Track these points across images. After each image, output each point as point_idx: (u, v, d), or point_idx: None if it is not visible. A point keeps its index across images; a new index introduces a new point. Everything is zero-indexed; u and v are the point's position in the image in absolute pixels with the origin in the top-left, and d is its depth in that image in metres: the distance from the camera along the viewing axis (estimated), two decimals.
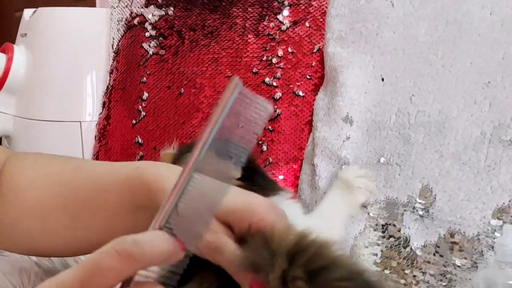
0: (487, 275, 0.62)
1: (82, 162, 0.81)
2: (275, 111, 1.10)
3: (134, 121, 1.27)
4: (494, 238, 0.71)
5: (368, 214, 0.84)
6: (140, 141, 1.25)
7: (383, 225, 0.82)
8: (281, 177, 1.08)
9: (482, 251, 0.72)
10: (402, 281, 0.79)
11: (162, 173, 0.61)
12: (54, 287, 0.39)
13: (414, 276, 0.77)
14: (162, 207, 0.41)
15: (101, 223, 0.63)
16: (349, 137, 0.88)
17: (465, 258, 0.73)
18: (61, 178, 0.67)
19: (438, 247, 0.76)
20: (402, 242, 0.80)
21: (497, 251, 0.61)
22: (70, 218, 0.65)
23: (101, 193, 0.63)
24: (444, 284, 0.75)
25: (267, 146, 1.11)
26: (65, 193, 0.66)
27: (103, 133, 1.35)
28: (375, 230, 0.83)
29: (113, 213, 0.63)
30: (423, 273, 0.76)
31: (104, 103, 1.36)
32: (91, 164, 0.77)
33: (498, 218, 0.71)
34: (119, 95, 1.32)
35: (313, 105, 1.03)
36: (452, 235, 0.75)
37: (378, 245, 0.82)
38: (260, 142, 1.12)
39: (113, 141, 1.33)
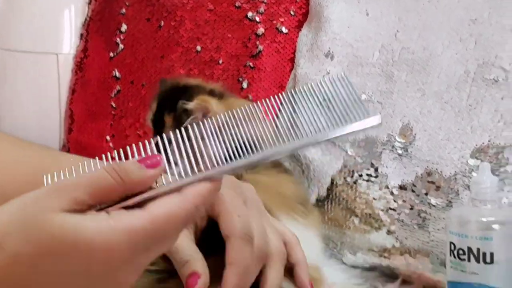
0: (460, 212, 0.61)
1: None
2: (257, 47, 1.07)
3: (112, 54, 1.24)
4: (471, 178, 0.70)
5: (346, 152, 0.83)
6: (117, 75, 1.22)
7: (360, 164, 0.81)
8: None
9: (458, 190, 0.71)
10: (378, 220, 0.78)
11: None
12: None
13: (390, 215, 0.77)
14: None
15: None
16: (328, 72, 0.86)
17: (441, 198, 0.72)
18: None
19: (415, 186, 0.75)
20: (379, 181, 0.79)
21: (472, 189, 0.60)
22: None
23: None
24: (418, 223, 0.74)
25: (247, 84, 1.08)
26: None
27: (80, 65, 1.31)
28: (352, 169, 0.82)
29: None
30: (398, 212, 0.76)
31: (81, 35, 1.32)
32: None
33: (476, 158, 0.70)
34: (97, 26, 1.27)
35: (296, 42, 1.00)
36: (429, 174, 0.74)
37: (355, 183, 0.81)
38: (240, 79, 1.09)
39: (90, 74, 1.29)
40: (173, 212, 0.41)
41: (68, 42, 1.47)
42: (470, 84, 0.73)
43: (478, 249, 0.58)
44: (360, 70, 0.85)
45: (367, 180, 0.80)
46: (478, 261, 0.58)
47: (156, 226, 0.40)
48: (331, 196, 0.84)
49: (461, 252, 0.59)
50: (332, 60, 0.88)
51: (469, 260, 0.59)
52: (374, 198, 0.78)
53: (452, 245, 0.60)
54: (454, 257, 0.60)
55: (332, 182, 0.84)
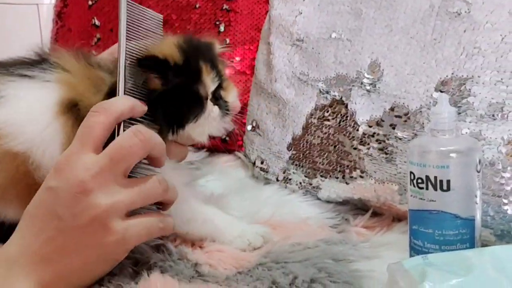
0: (420, 142, 0.63)
1: None
2: None
3: (90, 3, 1.24)
4: None
5: (319, 91, 0.84)
6: (97, 23, 1.22)
7: (332, 101, 0.82)
8: (237, 58, 1.07)
9: (423, 123, 0.73)
10: (349, 155, 0.80)
11: None
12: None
13: (359, 150, 0.79)
14: (118, 80, 0.62)
15: None
16: (301, 12, 0.87)
17: (407, 131, 0.74)
18: None
19: (383, 121, 0.76)
20: (348, 117, 0.80)
21: (431, 120, 0.62)
22: None
23: None
24: (385, 156, 0.76)
25: (224, 27, 1.09)
26: None
27: (60, 15, 1.31)
28: (324, 106, 0.83)
29: None
30: (367, 147, 0.78)
31: None
32: None
33: (441, 91, 0.71)
34: None
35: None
36: (396, 109, 0.76)
37: (328, 120, 0.83)
38: (217, 23, 1.09)
39: (70, 23, 1.29)
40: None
41: None
42: (434, 18, 0.74)
43: (436, 177, 0.60)
44: (331, 9, 0.85)
45: (339, 117, 0.82)
46: (435, 188, 0.60)
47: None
48: (306, 134, 0.86)
49: (420, 181, 0.61)
50: (304, 0, 0.88)
51: (427, 188, 0.61)
52: (345, 134, 0.80)
53: (412, 175, 0.62)
54: (414, 186, 0.62)
55: (306, 121, 0.86)
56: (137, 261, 0.65)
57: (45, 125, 0.63)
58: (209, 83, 0.69)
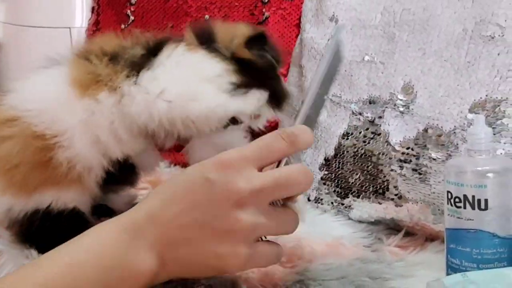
0: (457, 163, 0.64)
1: None
2: (263, 14, 1.10)
3: (123, 26, 1.27)
4: None
5: (352, 112, 0.86)
6: None
7: (364, 123, 0.84)
8: None
9: (457, 144, 0.74)
10: (381, 176, 0.81)
11: None
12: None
13: (392, 170, 0.80)
14: (301, 112, 0.61)
15: None
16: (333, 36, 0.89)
17: (441, 152, 0.75)
18: None
19: (416, 141, 0.78)
20: (381, 138, 0.82)
21: (468, 140, 0.63)
22: None
23: None
24: (419, 176, 0.77)
25: None
26: None
27: (92, 38, 1.35)
28: (357, 128, 0.85)
29: None
30: (400, 167, 0.79)
31: (93, 8, 1.35)
32: None
33: (475, 113, 0.73)
34: None
35: (301, 8, 1.02)
36: (430, 130, 0.77)
37: (361, 141, 0.84)
38: None
39: None
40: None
41: (80, 16, 1.51)
42: (468, 41, 0.76)
43: (473, 196, 0.61)
44: (363, 33, 0.87)
45: (371, 138, 0.83)
46: (473, 207, 0.61)
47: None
48: (338, 155, 0.87)
49: (457, 200, 0.62)
50: (337, 24, 0.91)
51: (465, 207, 0.62)
52: (378, 155, 0.82)
53: (449, 194, 0.63)
54: (451, 205, 0.63)
55: (339, 142, 0.87)
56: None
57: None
58: None
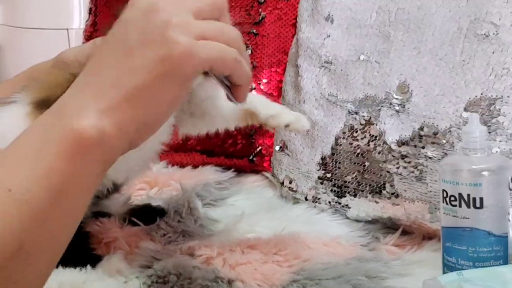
0: (452, 161, 0.64)
1: None
2: (260, 14, 1.10)
3: None
4: None
5: (348, 111, 0.86)
6: None
7: (361, 122, 0.84)
8: (264, 80, 1.09)
9: (453, 142, 0.74)
10: (378, 174, 0.81)
11: None
12: None
13: (388, 169, 0.80)
14: None
15: None
16: (329, 35, 0.89)
17: (437, 150, 0.76)
18: None
19: (412, 140, 0.78)
20: (378, 137, 0.82)
21: (463, 138, 0.63)
22: None
23: None
24: (415, 175, 0.77)
25: (251, 50, 1.11)
26: None
27: (90, 39, 1.35)
28: (353, 127, 0.85)
29: None
30: (397, 166, 0.79)
31: (90, 9, 1.35)
32: None
33: (470, 111, 0.73)
34: (105, 0, 1.30)
35: (297, 8, 1.02)
36: (425, 129, 0.77)
37: (356, 140, 0.84)
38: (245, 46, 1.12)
39: None
40: None
41: (78, 17, 1.51)
42: (463, 40, 0.76)
43: (469, 195, 0.61)
44: (359, 32, 0.87)
45: (368, 137, 0.83)
46: (468, 206, 0.61)
47: None
48: (335, 154, 0.87)
49: (453, 198, 0.62)
50: (332, 23, 0.91)
51: (460, 205, 0.62)
52: (374, 154, 0.82)
53: (444, 193, 0.63)
54: (447, 203, 0.63)
55: (335, 141, 0.87)
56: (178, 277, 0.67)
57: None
58: None
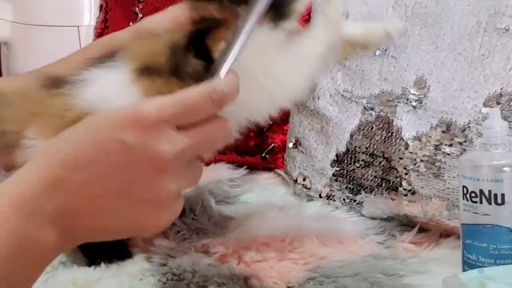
0: (472, 157, 0.63)
1: None
2: None
3: (131, 24, 1.26)
4: None
5: (364, 107, 0.85)
6: None
7: (376, 118, 0.83)
8: None
9: (471, 138, 0.73)
10: (394, 171, 0.80)
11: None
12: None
13: (405, 166, 0.79)
14: (227, 54, 0.52)
15: None
16: None
17: (455, 146, 0.74)
18: None
19: (430, 136, 0.77)
20: (394, 133, 0.81)
21: (483, 134, 0.62)
22: None
23: None
24: (433, 172, 0.76)
25: None
26: None
27: (101, 37, 1.34)
28: (369, 123, 0.84)
29: None
30: (414, 162, 0.78)
31: (101, 6, 1.34)
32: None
33: (489, 106, 0.72)
34: None
35: (311, 3, 1.01)
36: (443, 125, 0.76)
37: (372, 137, 0.83)
38: None
39: None
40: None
41: (88, 14, 1.50)
42: (482, 34, 0.75)
43: (490, 191, 0.60)
44: None
45: (384, 133, 0.82)
46: (489, 202, 0.60)
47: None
48: (350, 151, 0.86)
49: (473, 195, 0.61)
50: (347, 18, 0.90)
51: (481, 202, 0.61)
52: (390, 150, 0.81)
53: (465, 189, 0.62)
54: (467, 200, 0.62)
55: (351, 138, 0.86)
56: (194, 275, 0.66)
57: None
58: None
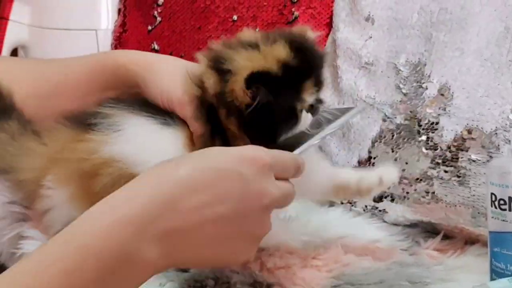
0: (501, 164, 0.63)
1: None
2: (293, 14, 1.09)
3: (150, 27, 1.27)
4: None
5: (384, 114, 0.84)
6: (156, 48, 1.25)
7: (398, 125, 0.83)
8: None
9: (498, 145, 0.72)
10: (418, 179, 0.80)
11: (139, 57, 0.71)
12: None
13: (429, 173, 0.78)
14: (309, 138, 0.62)
15: (72, 102, 0.70)
16: (371, 36, 0.88)
17: (481, 153, 0.74)
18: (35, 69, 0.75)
19: (455, 143, 0.76)
20: (418, 141, 0.80)
21: None
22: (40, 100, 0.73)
23: (72, 76, 0.73)
24: (457, 179, 0.76)
25: None
26: (37, 81, 0.74)
27: (119, 40, 1.34)
28: (390, 130, 0.83)
29: (84, 92, 0.71)
30: (438, 171, 0.77)
31: (119, 10, 1.34)
32: (63, 58, 0.82)
33: None
34: (135, 0, 1.30)
35: (331, 7, 1.01)
36: (469, 132, 0.75)
37: (395, 143, 0.83)
38: None
39: (129, 48, 1.32)
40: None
41: (106, 18, 1.50)
42: (510, 39, 0.74)
43: None
44: (400, 33, 0.86)
45: (406, 140, 0.81)
46: None
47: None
48: (372, 158, 0.86)
49: (502, 202, 0.61)
50: (373, 24, 0.89)
51: (510, 209, 0.60)
52: (413, 158, 0.80)
53: (493, 196, 0.62)
54: (495, 207, 0.61)
55: (372, 144, 0.86)
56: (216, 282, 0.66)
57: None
58: (308, 98, 0.65)
